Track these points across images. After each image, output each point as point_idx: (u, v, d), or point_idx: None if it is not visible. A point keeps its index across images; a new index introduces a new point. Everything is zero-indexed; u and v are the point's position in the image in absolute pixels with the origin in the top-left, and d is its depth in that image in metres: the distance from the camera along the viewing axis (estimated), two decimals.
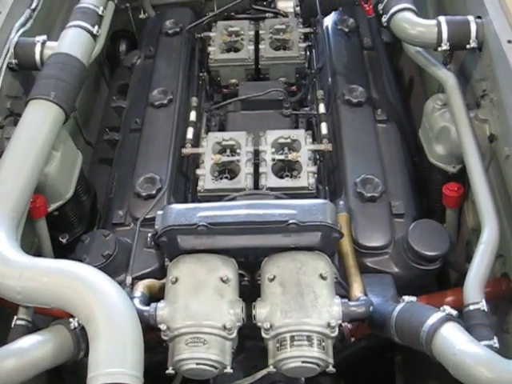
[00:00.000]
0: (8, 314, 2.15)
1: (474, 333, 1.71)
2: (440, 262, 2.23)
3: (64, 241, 2.60)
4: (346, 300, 1.88)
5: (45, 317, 2.09)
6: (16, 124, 2.37)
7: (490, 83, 2.28)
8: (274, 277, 1.86)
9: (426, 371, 2.36)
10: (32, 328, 1.90)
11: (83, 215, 2.68)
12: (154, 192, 2.42)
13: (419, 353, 2.32)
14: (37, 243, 2.45)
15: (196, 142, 2.66)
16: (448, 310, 1.74)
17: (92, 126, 3.39)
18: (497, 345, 1.72)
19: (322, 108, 2.73)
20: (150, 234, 2.12)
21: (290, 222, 1.83)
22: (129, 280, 2.10)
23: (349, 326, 2.02)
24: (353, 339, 2.16)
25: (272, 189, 2.35)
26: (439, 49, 2.37)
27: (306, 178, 2.38)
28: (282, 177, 2.42)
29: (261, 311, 1.82)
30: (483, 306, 1.83)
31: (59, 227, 2.57)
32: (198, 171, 2.45)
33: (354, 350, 2.28)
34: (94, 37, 2.52)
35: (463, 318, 1.80)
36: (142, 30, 3.55)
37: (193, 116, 2.74)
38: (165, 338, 1.80)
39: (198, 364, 1.75)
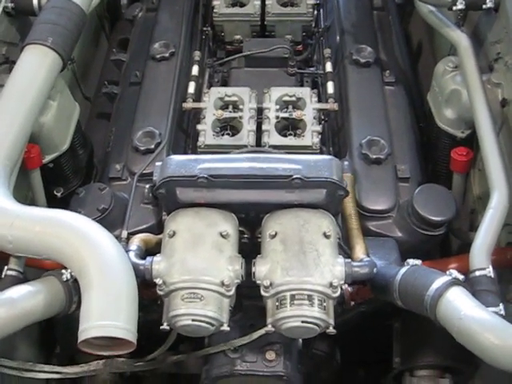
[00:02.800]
0: None
1: (480, 299, 1.67)
2: (445, 228, 2.19)
3: (59, 194, 2.55)
4: (350, 260, 1.83)
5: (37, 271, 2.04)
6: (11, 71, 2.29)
7: (506, 46, 2.22)
8: (276, 233, 1.80)
9: (425, 340, 2.32)
10: (23, 279, 1.85)
11: (79, 169, 2.62)
12: (152, 146, 2.36)
13: (418, 321, 2.30)
14: (31, 196, 2.39)
15: (197, 97, 2.59)
16: (454, 273, 1.70)
17: (90, 80, 3.30)
18: (503, 312, 1.68)
19: (328, 66, 2.66)
20: (147, 186, 2.05)
21: (294, 176, 1.76)
22: (124, 234, 2.06)
23: (349, 289, 1.97)
24: (352, 303, 2.12)
25: (275, 147, 2.29)
26: (454, 8, 2.30)
27: (310, 136, 2.32)
28: (285, 135, 2.37)
29: (261, 268, 1.77)
30: (490, 272, 1.79)
31: (54, 180, 2.51)
32: (199, 126, 2.39)
33: (352, 315, 2.24)
34: None
35: (469, 284, 1.75)
36: None
37: (195, 70, 2.67)
38: (160, 292, 1.75)
39: (193, 320, 1.70)
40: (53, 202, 2.46)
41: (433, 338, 2.29)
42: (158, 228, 2.17)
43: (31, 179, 2.31)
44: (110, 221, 2.13)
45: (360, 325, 2.31)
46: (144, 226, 2.18)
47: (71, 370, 2.07)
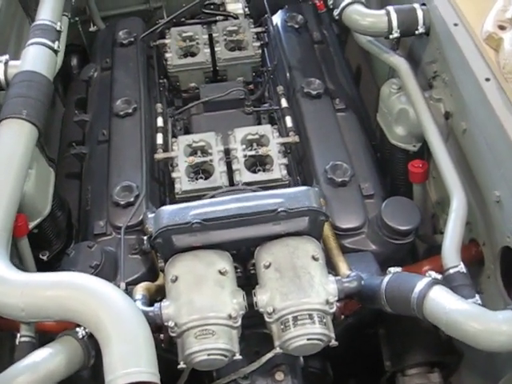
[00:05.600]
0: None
1: (458, 293, 1.83)
2: (413, 235, 2.37)
3: (45, 258, 2.61)
4: (339, 277, 2.00)
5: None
6: None
7: (441, 65, 2.44)
8: (270, 264, 1.94)
9: (410, 341, 2.50)
10: (36, 344, 1.92)
11: (61, 230, 2.70)
12: (132, 199, 2.46)
13: (401, 325, 2.48)
14: (16, 262, 2.43)
15: (165, 147, 2.71)
16: (433, 274, 1.88)
17: (51, 142, 3.37)
18: (479, 301, 1.86)
19: (284, 102, 2.83)
20: (146, 238, 2.16)
21: (280, 210, 1.90)
22: (123, 286, 2.13)
23: (338, 304, 2.12)
24: (342, 317, 2.28)
25: (247, 184, 2.43)
26: (390, 36, 2.51)
27: (278, 170, 2.47)
28: (254, 171, 2.51)
29: (262, 297, 1.90)
30: (462, 268, 1.97)
31: (39, 244, 2.57)
32: (174, 174, 2.50)
33: (341, 329, 2.39)
34: (56, 52, 2.54)
35: (445, 281, 1.92)
36: (91, 43, 3.57)
37: (160, 122, 2.79)
38: (173, 334, 1.86)
39: (209, 355, 1.81)
40: (39, 266, 2.51)
41: (417, 339, 2.47)
42: (149, 275, 2.29)
43: (20, 247, 2.36)
44: (103, 275, 2.19)
45: (347, 337, 2.48)
46: (136, 276, 2.28)
47: None
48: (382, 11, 2.51)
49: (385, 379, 2.58)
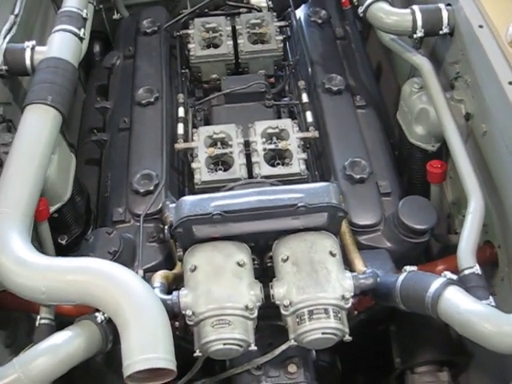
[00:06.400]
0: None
1: (472, 294, 1.84)
2: (429, 234, 2.38)
3: (63, 242, 2.64)
4: (356, 273, 2.02)
5: None
6: (9, 130, 2.42)
7: (463, 66, 2.44)
8: (288, 257, 1.96)
9: (421, 339, 2.52)
10: (55, 326, 1.96)
11: (79, 215, 2.73)
12: (151, 188, 2.49)
13: (412, 323, 2.50)
14: (36, 246, 2.47)
15: (186, 136, 2.73)
16: (449, 275, 1.89)
17: (72, 127, 3.41)
18: (493, 303, 1.86)
19: (305, 97, 2.84)
20: (166, 227, 2.19)
21: (299, 205, 1.93)
22: (141, 273, 2.16)
23: (352, 300, 2.15)
24: (356, 312, 2.30)
25: (266, 177, 2.44)
26: (414, 36, 2.51)
27: (297, 164, 2.48)
28: (273, 165, 2.52)
29: (278, 290, 1.93)
30: (477, 269, 1.97)
31: (58, 229, 2.61)
32: (194, 164, 2.51)
33: (353, 324, 2.41)
34: (81, 40, 2.57)
35: (460, 282, 1.93)
36: (114, 31, 3.60)
37: (181, 112, 2.81)
38: (190, 323, 1.89)
39: (225, 344, 1.84)
40: (58, 250, 2.55)
41: (428, 337, 2.49)
42: (166, 263, 2.32)
43: (40, 230, 2.39)
44: (121, 262, 2.21)
45: (357, 332, 2.50)
46: (154, 263, 2.32)
47: None
48: (407, 10, 2.51)
49: (394, 376, 2.60)
